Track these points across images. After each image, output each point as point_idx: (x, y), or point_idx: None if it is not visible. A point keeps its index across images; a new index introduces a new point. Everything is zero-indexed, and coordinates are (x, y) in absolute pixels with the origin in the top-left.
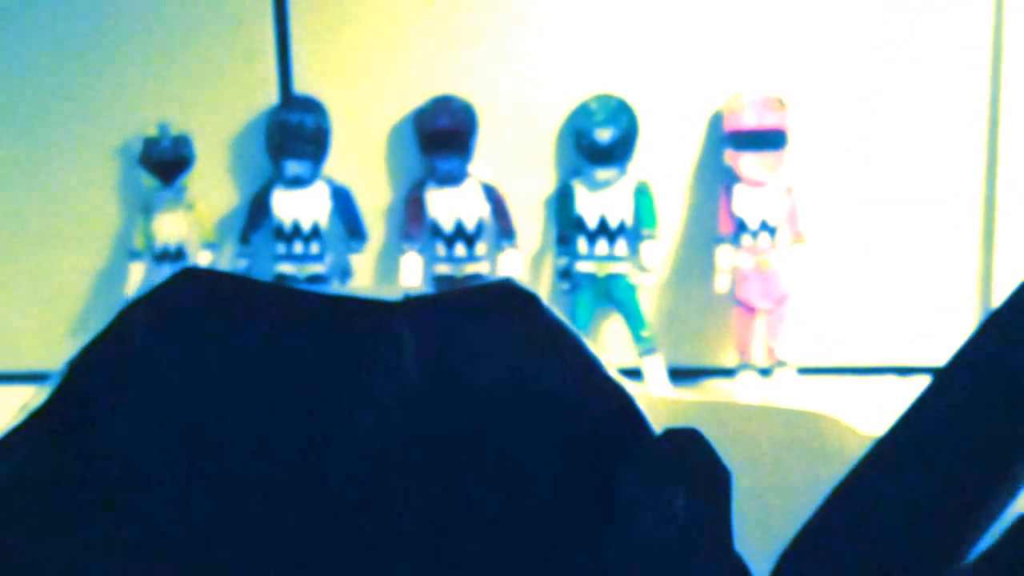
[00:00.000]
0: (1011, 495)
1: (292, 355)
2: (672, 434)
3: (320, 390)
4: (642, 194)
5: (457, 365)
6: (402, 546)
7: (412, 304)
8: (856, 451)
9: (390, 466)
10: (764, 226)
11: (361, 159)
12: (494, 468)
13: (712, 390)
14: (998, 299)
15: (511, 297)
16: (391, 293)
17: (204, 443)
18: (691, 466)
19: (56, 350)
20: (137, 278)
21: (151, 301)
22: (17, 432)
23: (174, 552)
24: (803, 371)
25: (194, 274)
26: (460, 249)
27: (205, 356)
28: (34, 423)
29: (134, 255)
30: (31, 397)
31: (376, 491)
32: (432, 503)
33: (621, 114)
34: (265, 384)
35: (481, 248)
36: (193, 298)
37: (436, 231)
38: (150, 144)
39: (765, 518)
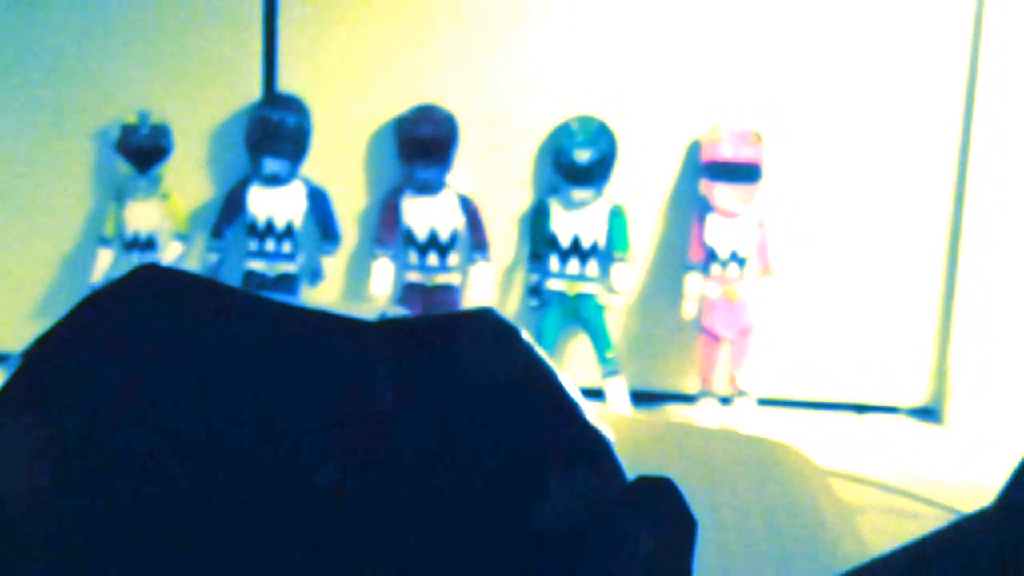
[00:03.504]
0: None
1: (257, 368)
2: (645, 481)
3: (285, 409)
4: (616, 217)
5: (433, 395)
6: None
7: (388, 326)
8: (810, 479)
9: (355, 500)
10: (734, 257)
11: (340, 162)
12: (465, 506)
13: (673, 415)
14: (957, 345)
15: (492, 328)
16: (366, 312)
17: (160, 450)
18: (661, 512)
19: (20, 331)
20: (105, 264)
21: (111, 294)
22: None
23: (128, 554)
24: (763, 402)
25: (157, 270)
26: (432, 258)
27: (167, 358)
28: None
29: (103, 241)
30: None
31: (339, 528)
32: (400, 543)
33: (601, 136)
34: (227, 395)
35: (454, 259)
36: (156, 295)
37: (410, 239)
38: (128, 131)
39: (719, 533)
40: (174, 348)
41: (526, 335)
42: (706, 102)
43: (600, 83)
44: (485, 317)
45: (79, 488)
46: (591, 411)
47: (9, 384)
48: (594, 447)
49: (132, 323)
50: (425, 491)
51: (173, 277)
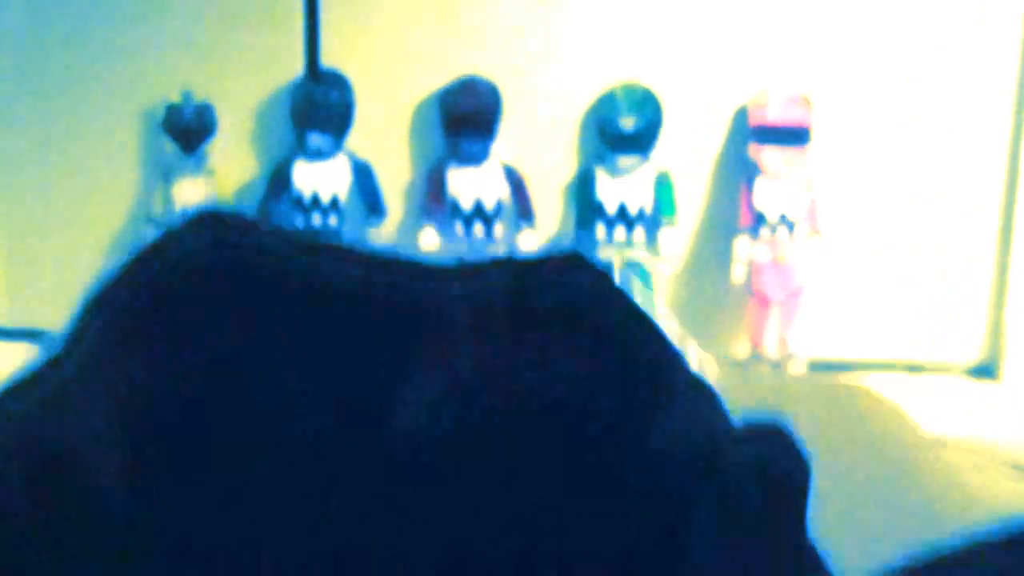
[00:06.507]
0: None
1: (324, 323)
2: (754, 425)
3: (353, 374)
4: (663, 183)
5: (517, 353)
6: None
7: (467, 270)
8: (910, 442)
9: (424, 479)
10: (783, 220)
11: (383, 135)
12: (555, 463)
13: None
14: (1012, 301)
15: (582, 270)
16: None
17: (222, 415)
18: (773, 459)
19: (71, 313)
20: None
21: (167, 248)
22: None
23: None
24: (814, 365)
25: (216, 217)
26: (478, 229)
27: (225, 316)
28: (42, 373)
29: (152, 221)
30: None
31: (404, 510)
32: (468, 535)
33: (647, 104)
34: (290, 356)
35: (499, 229)
36: (214, 246)
37: (455, 210)
38: (173, 111)
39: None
40: (241, 305)
41: (617, 276)
42: (752, 67)
43: (644, 50)
44: (573, 259)
45: (149, 443)
46: (695, 358)
47: (76, 332)
48: (701, 392)
49: (193, 279)
50: (516, 447)
51: (235, 224)
